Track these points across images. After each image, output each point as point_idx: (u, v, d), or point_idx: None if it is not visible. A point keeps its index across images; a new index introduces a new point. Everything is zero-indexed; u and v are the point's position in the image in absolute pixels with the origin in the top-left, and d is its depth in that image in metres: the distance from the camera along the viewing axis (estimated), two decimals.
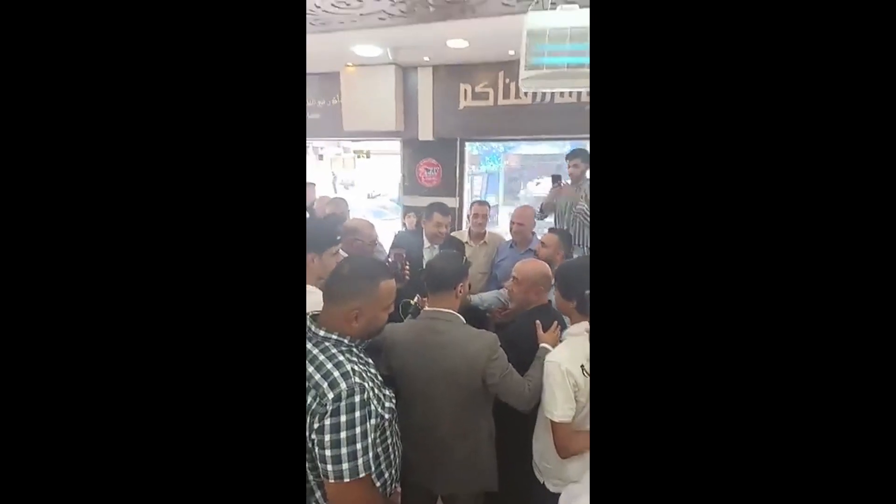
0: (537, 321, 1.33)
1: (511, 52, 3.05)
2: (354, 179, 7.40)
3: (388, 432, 0.97)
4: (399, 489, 1.15)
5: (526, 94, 3.25)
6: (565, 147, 4.09)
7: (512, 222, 2.27)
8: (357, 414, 0.82)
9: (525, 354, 1.26)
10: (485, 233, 2.42)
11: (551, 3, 1.64)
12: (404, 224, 3.59)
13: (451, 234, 2.32)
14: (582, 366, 1.09)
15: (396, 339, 1.21)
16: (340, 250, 1.45)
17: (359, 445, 0.81)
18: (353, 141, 4.71)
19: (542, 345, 1.28)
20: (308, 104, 3.85)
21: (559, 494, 1.09)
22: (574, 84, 1.51)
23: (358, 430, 0.82)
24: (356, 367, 0.88)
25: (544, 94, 3.22)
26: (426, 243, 2.17)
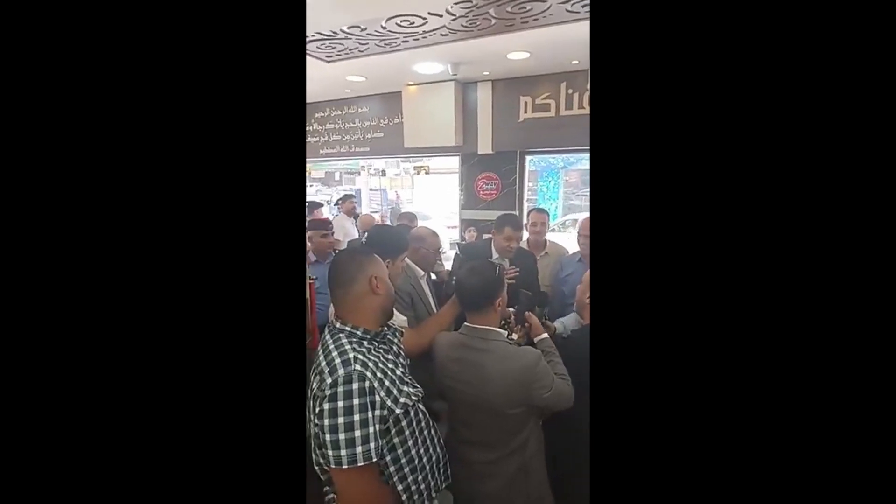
0: (528, 312, 1.31)
1: (575, 62, 2.97)
2: (413, 197, 7.58)
3: (406, 431, 0.91)
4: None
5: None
6: None
7: (580, 234, 2.12)
8: (356, 401, 0.81)
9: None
10: (545, 242, 2.30)
11: None
12: (463, 237, 3.57)
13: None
14: None
15: (440, 351, 1.20)
16: (407, 258, 1.48)
17: (357, 433, 0.80)
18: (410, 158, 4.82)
19: (538, 338, 1.28)
20: (372, 123, 4.02)
21: None
22: None
23: (357, 417, 0.80)
24: (360, 357, 0.87)
25: None
26: (494, 255, 2.10)
